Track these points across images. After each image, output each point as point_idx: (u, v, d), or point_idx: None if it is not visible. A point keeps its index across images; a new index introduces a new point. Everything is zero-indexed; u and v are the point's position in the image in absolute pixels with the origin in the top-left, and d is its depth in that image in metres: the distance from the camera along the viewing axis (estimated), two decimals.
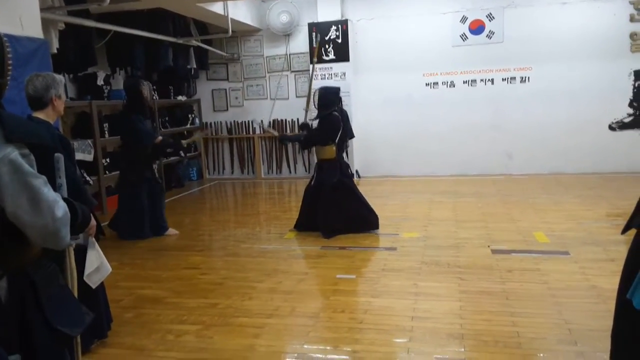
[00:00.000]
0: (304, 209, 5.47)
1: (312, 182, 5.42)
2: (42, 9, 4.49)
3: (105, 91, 7.20)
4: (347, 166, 5.54)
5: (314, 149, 5.54)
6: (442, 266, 4.21)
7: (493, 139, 8.46)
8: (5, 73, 1.48)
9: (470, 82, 8.59)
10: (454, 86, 8.64)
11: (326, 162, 5.33)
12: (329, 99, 5.25)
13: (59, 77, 2.93)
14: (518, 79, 8.40)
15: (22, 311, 1.56)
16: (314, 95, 5.42)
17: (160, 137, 5.46)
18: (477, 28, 8.41)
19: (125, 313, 3.55)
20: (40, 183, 1.44)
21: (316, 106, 5.34)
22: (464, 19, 8.42)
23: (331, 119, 5.24)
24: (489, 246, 4.66)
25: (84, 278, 2.76)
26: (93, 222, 2.68)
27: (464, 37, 8.46)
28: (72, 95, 6.88)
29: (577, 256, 4.29)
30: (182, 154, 8.54)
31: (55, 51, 5.54)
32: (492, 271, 4.03)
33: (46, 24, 5.13)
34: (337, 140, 5.29)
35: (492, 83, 8.50)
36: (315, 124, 5.56)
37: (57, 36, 5.66)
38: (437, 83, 8.70)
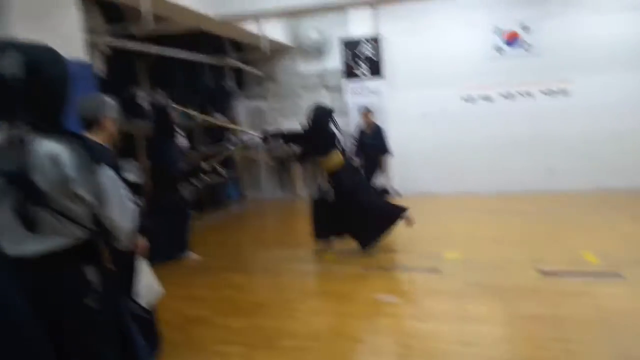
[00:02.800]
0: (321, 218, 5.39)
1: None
2: (87, 33, 4.67)
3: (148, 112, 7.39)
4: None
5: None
6: (487, 288, 4.11)
7: (533, 154, 8.27)
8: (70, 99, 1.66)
9: (507, 95, 8.45)
10: (491, 100, 8.52)
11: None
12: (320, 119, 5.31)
13: (110, 100, 3.00)
14: (558, 92, 8.21)
15: (115, 301, 1.82)
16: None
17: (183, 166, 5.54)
18: (513, 40, 8.29)
19: (173, 333, 3.58)
20: (127, 193, 1.76)
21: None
22: (499, 32, 8.31)
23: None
24: (535, 267, 4.53)
25: (135, 297, 2.82)
26: (144, 242, 2.78)
27: (499, 50, 8.35)
28: (118, 117, 7.09)
29: (631, 278, 4.11)
30: (224, 174, 8.68)
31: (101, 74, 5.75)
32: (540, 294, 3.92)
33: (91, 48, 5.33)
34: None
35: (531, 96, 8.35)
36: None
37: (101, 59, 5.88)
38: (474, 97, 8.59)
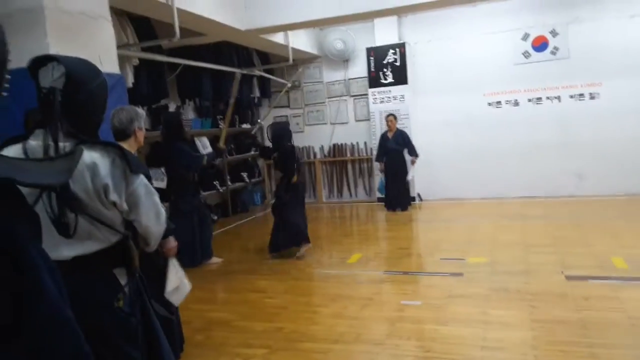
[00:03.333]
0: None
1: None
2: (118, 47, 4.85)
3: None
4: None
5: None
6: (512, 293, 4.05)
7: (562, 159, 8.11)
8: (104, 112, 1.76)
9: (535, 100, 8.33)
10: (517, 105, 8.41)
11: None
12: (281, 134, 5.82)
13: (141, 111, 3.17)
14: (587, 96, 8.05)
15: (143, 304, 1.86)
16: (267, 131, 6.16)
17: (205, 156, 5.54)
18: (540, 45, 8.19)
19: (196, 335, 3.67)
20: (158, 200, 1.83)
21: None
22: (525, 36, 8.23)
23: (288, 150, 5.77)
24: (562, 272, 4.44)
25: (165, 295, 2.91)
26: (174, 243, 2.88)
27: (526, 54, 8.26)
28: (146, 127, 7.28)
29: None
30: (247, 180, 8.81)
31: (131, 85, 5.94)
32: (567, 299, 3.83)
33: (122, 60, 5.50)
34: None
35: (559, 100, 8.20)
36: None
37: (132, 71, 6.07)
38: (500, 102, 8.50)
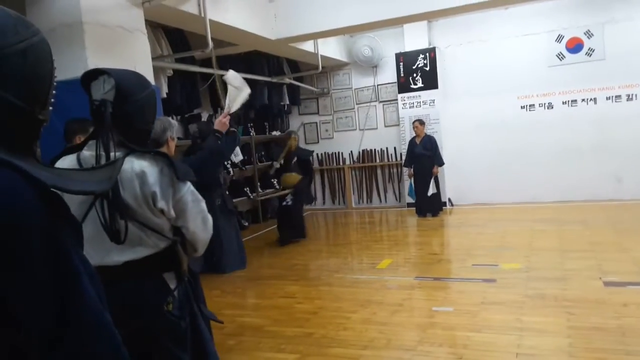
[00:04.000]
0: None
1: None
2: (153, 58, 5.00)
3: None
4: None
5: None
6: (547, 299, 3.96)
7: (599, 162, 7.88)
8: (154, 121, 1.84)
9: (570, 102, 8.14)
10: (552, 107, 8.24)
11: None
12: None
13: (174, 122, 3.29)
14: (624, 97, 7.82)
15: (191, 307, 1.89)
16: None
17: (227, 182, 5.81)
18: (574, 46, 8.01)
19: (228, 340, 3.72)
20: (205, 206, 1.86)
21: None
22: (560, 38, 8.06)
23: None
24: (600, 278, 4.32)
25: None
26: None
27: (560, 56, 8.09)
28: (179, 135, 7.48)
29: None
30: (277, 186, 8.89)
31: (165, 95, 6.11)
32: (605, 305, 3.72)
33: (156, 71, 5.68)
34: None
35: (595, 102, 7.99)
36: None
37: (166, 82, 6.25)
38: (534, 105, 8.34)
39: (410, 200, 8.56)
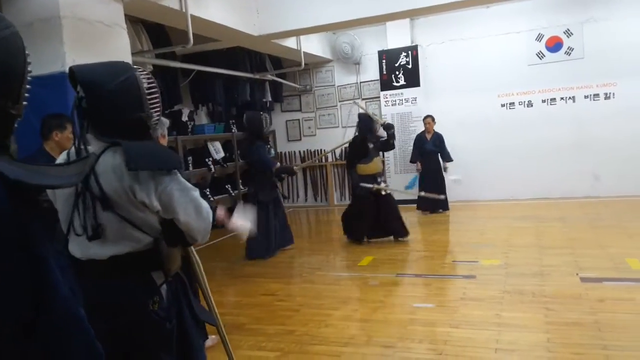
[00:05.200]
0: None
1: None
2: (133, 53, 4.93)
3: (190, 126, 7.66)
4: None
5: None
6: (526, 295, 4.02)
7: (577, 160, 8.02)
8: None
9: (549, 100, 8.26)
10: (532, 106, 8.35)
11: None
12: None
13: (164, 119, 3.32)
14: (602, 96, 7.96)
15: (179, 309, 1.84)
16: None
17: (277, 165, 5.99)
18: (554, 45, 8.12)
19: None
20: (198, 194, 1.77)
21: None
22: (540, 37, 8.17)
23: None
24: (577, 274, 4.39)
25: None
26: (221, 212, 3.03)
27: (540, 55, 8.20)
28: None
29: None
30: None
31: None
32: (582, 301, 3.79)
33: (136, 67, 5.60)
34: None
35: (574, 101, 8.13)
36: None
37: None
38: (514, 103, 8.45)
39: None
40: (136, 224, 1.68)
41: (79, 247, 1.68)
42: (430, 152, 7.89)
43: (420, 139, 8.06)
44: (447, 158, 7.89)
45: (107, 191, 1.63)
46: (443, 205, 7.82)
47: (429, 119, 7.98)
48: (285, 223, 6.21)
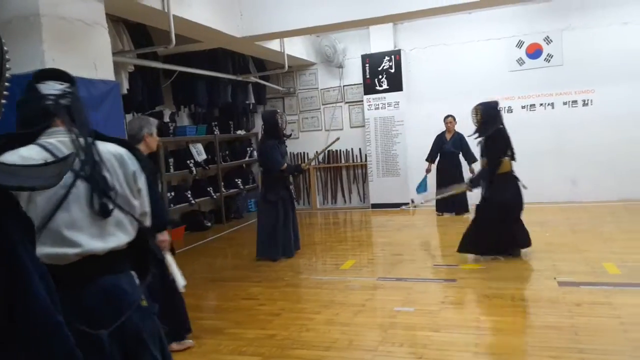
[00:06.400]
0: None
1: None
2: (113, 53, 4.86)
3: (171, 128, 7.58)
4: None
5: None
6: (505, 299, 4.06)
7: (556, 165, 8.14)
8: None
9: (529, 107, 8.38)
10: (512, 112, 8.45)
11: (499, 177, 5.42)
12: (491, 114, 5.40)
13: (153, 120, 3.45)
14: (580, 102, 8.11)
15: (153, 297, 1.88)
16: (474, 113, 5.61)
17: (285, 164, 5.88)
18: (534, 52, 8.25)
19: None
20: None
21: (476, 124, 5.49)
22: (520, 44, 8.29)
23: (495, 135, 5.36)
24: (555, 278, 4.45)
25: (182, 289, 3.14)
26: (166, 237, 2.95)
27: (520, 61, 8.32)
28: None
29: None
30: (241, 186, 8.83)
31: (126, 92, 5.94)
32: (559, 305, 3.84)
33: (117, 67, 5.51)
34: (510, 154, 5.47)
35: (553, 107, 8.26)
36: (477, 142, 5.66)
37: (127, 78, 6.07)
38: None
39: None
40: (130, 212, 1.72)
41: (82, 238, 1.63)
42: (449, 152, 7.74)
43: (440, 139, 7.86)
44: (471, 159, 7.43)
45: (110, 179, 1.67)
46: (465, 207, 7.60)
47: (450, 119, 7.78)
48: (296, 226, 6.17)
